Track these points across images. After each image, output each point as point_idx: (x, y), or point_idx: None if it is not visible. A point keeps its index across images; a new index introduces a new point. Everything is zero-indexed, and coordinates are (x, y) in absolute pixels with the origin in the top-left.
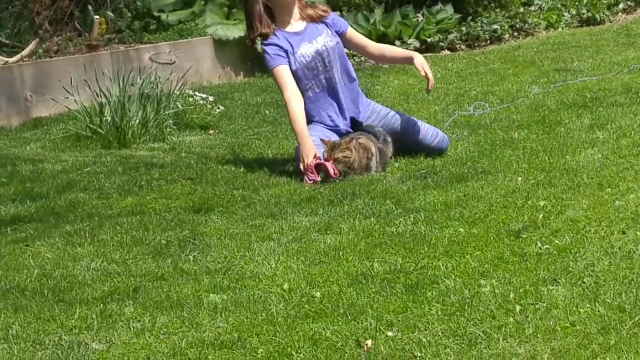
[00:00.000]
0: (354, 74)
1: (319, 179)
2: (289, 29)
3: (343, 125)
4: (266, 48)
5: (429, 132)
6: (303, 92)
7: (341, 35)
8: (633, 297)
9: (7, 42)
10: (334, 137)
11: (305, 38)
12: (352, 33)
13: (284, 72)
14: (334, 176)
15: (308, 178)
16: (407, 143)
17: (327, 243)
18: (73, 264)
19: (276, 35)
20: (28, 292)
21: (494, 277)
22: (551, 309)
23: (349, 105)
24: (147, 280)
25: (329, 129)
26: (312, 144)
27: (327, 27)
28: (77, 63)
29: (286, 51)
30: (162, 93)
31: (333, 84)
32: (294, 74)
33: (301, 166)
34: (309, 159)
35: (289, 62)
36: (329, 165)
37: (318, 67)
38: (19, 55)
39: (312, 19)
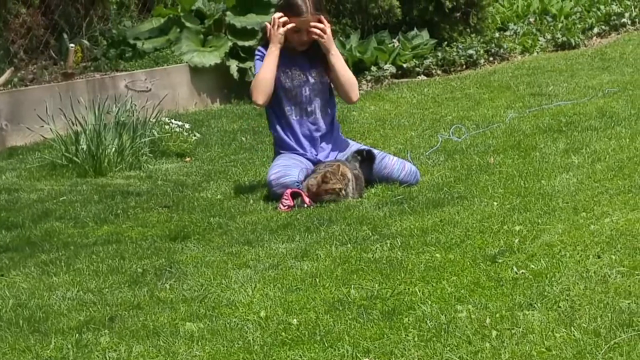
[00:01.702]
0: (333, 113)
1: (293, 203)
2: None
3: (317, 157)
4: (257, 53)
5: (395, 165)
6: (283, 115)
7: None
8: (608, 321)
9: None
10: (310, 167)
11: (298, 65)
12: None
13: None
14: (308, 203)
15: (282, 204)
16: (375, 177)
17: (304, 270)
18: (49, 294)
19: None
20: (3, 323)
21: (470, 302)
22: (527, 334)
23: (327, 139)
24: (123, 309)
25: (302, 157)
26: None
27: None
28: (53, 91)
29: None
30: (138, 121)
31: (312, 116)
32: (276, 89)
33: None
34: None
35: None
36: (305, 195)
37: (301, 96)
38: None
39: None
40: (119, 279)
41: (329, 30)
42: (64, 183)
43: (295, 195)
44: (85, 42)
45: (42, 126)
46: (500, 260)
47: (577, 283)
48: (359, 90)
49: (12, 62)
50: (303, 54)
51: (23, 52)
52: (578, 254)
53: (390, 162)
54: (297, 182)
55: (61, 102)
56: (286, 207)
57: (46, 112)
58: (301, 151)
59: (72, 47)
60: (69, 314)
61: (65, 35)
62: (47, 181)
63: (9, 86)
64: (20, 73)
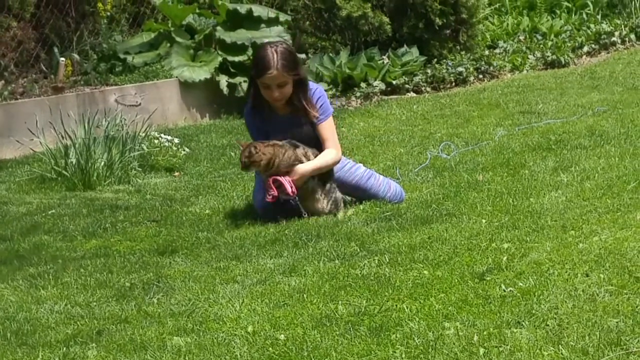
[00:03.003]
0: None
1: (277, 193)
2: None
3: None
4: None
5: (381, 186)
6: None
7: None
8: (596, 339)
9: None
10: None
11: (281, 125)
12: (322, 126)
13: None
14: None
15: (268, 195)
16: (359, 196)
17: (292, 285)
18: (36, 307)
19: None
20: None
21: (458, 319)
22: (515, 352)
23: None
24: (111, 323)
25: None
26: None
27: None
28: (43, 105)
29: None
30: (127, 135)
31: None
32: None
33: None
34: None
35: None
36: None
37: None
38: None
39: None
40: (107, 293)
41: (286, 184)
42: (53, 196)
43: (276, 184)
44: (76, 56)
45: (32, 139)
46: (488, 278)
47: (566, 301)
48: (349, 107)
49: (2, 76)
50: (284, 118)
51: (13, 65)
52: (566, 272)
53: (376, 183)
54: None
55: (51, 116)
56: (271, 197)
57: (36, 126)
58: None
59: (62, 61)
60: (56, 327)
61: (55, 49)
62: (36, 194)
63: None
64: (10, 86)
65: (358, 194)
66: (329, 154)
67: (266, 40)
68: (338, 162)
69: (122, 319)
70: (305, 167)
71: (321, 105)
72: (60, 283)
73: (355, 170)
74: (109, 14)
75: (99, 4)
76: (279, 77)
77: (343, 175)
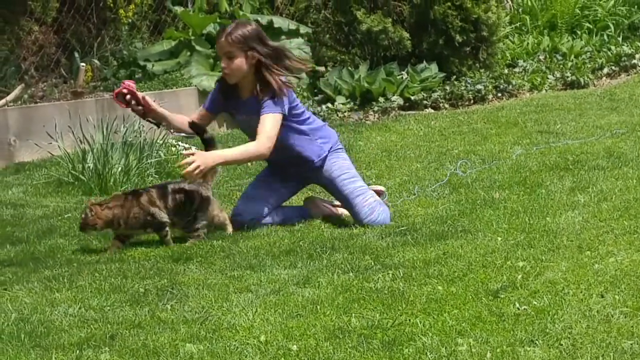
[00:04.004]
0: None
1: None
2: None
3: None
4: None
5: (364, 208)
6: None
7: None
8: None
9: None
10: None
11: (242, 107)
12: (262, 118)
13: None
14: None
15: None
16: (343, 206)
17: (305, 296)
18: (51, 309)
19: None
20: (5, 336)
21: (471, 336)
22: None
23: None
24: (124, 327)
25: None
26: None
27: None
28: (62, 109)
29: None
30: (145, 142)
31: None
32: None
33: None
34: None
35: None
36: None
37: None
38: (4, 100)
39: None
40: (121, 298)
41: (199, 160)
42: (69, 200)
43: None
44: (96, 61)
45: (50, 143)
46: (502, 296)
47: (580, 321)
48: (367, 121)
49: (22, 79)
50: (244, 102)
51: (34, 69)
52: (581, 292)
53: (361, 202)
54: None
55: (70, 120)
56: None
57: (55, 129)
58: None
59: (82, 66)
60: (70, 330)
61: (76, 54)
62: (53, 198)
63: (19, 102)
64: (30, 90)
65: (343, 204)
66: (249, 146)
67: None
68: (259, 157)
69: (135, 324)
70: (222, 154)
71: (277, 99)
72: (75, 286)
73: (349, 183)
74: (130, 21)
75: (121, 11)
76: (225, 46)
77: (339, 183)
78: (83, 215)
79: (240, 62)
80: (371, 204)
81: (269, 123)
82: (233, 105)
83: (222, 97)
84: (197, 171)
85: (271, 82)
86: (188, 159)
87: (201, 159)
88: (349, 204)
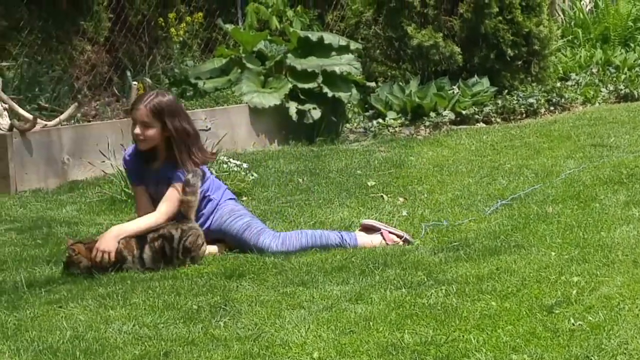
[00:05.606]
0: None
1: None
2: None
3: None
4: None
5: (260, 237)
6: None
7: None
8: None
9: (47, 105)
10: None
11: (152, 177)
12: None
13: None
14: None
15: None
16: (243, 248)
17: (358, 313)
18: (105, 327)
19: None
20: (60, 354)
21: (526, 352)
22: None
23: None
24: (178, 344)
25: None
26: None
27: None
28: (115, 127)
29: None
30: None
31: None
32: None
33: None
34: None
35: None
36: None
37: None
38: (57, 119)
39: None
40: (174, 315)
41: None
42: (122, 218)
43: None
44: (148, 80)
45: (104, 161)
46: (557, 311)
47: (636, 337)
48: (418, 136)
49: (75, 98)
50: (154, 172)
51: (87, 88)
52: (637, 307)
53: (249, 234)
54: None
55: (123, 138)
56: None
57: (107, 148)
58: None
59: (134, 84)
60: (124, 348)
61: (128, 73)
62: (106, 215)
63: (72, 121)
64: (83, 109)
65: (241, 246)
66: (149, 218)
67: (336, 67)
68: (158, 226)
69: (189, 341)
70: (122, 229)
71: (184, 170)
72: (128, 304)
73: (233, 223)
74: (181, 39)
75: (172, 30)
76: (142, 115)
77: (224, 227)
78: (67, 254)
79: (154, 133)
80: (262, 231)
81: (170, 196)
82: (144, 171)
83: (138, 164)
84: (105, 256)
85: (179, 156)
86: (92, 253)
87: (102, 244)
88: (243, 242)
